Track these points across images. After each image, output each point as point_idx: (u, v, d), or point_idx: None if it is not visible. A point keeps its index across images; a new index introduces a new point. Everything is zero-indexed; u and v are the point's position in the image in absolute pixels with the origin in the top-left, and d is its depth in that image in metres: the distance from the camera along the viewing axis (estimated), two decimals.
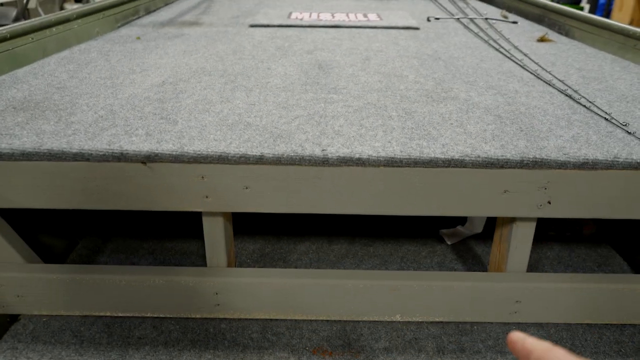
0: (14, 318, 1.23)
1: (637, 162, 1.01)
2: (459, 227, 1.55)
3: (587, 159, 1.01)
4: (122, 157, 1.02)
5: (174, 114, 1.19)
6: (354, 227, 1.60)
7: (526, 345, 0.40)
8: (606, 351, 1.15)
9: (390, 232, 1.58)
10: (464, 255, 1.48)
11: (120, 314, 1.21)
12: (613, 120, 1.19)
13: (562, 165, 1.01)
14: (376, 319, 1.21)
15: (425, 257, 1.46)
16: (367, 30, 2.27)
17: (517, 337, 0.42)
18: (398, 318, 1.21)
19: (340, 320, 1.22)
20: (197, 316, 1.21)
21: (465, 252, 1.49)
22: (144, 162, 1.02)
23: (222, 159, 1.02)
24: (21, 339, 1.16)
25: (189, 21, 2.44)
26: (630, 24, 5.21)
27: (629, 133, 1.13)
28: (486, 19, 2.47)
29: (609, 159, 1.01)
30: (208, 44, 1.94)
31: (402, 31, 2.25)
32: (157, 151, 1.01)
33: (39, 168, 1.03)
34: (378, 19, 2.49)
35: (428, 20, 2.51)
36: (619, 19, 5.36)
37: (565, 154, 1.02)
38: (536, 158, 1.01)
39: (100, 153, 1.01)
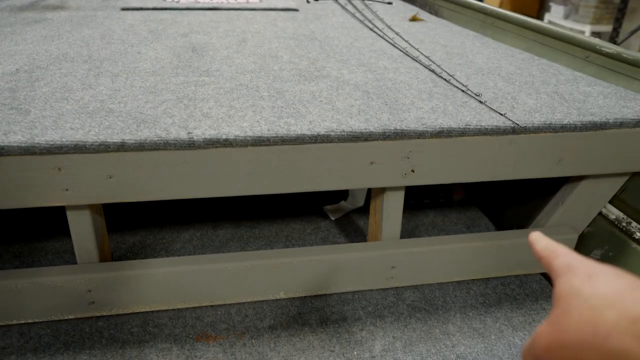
0: None
1: (486, 129, 1.10)
2: (342, 202, 1.60)
3: (443, 128, 1.08)
4: None
5: (27, 104, 1.10)
6: (239, 210, 1.59)
7: (547, 249, 0.41)
8: (473, 304, 1.25)
9: (276, 213, 1.59)
10: (347, 229, 1.53)
11: None
12: (468, 92, 1.28)
13: (420, 135, 1.08)
14: (261, 299, 1.22)
15: (310, 234, 1.50)
16: (246, 12, 2.24)
17: (536, 238, 0.43)
18: (282, 295, 1.23)
19: (224, 304, 1.21)
20: (71, 317, 1.14)
21: (348, 225, 1.55)
22: None
23: (79, 149, 0.96)
24: None
25: (53, 5, 2.25)
26: (500, 5, 5.63)
27: (481, 102, 1.22)
28: (363, 0, 2.55)
29: (462, 127, 1.09)
30: (73, 29, 1.80)
31: (281, 13, 2.25)
32: (3, 144, 0.93)
33: None
34: (257, 1, 2.47)
35: (307, 1, 2.53)
36: (490, 2, 5.76)
37: (423, 124, 1.08)
38: (397, 130, 1.06)
39: None
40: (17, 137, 0.95)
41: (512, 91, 1.31)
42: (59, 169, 0.97)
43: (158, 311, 1.18)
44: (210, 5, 2.28)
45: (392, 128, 1.06)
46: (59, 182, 0.99)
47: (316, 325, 1.16)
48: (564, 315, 0.33)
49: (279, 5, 2.34)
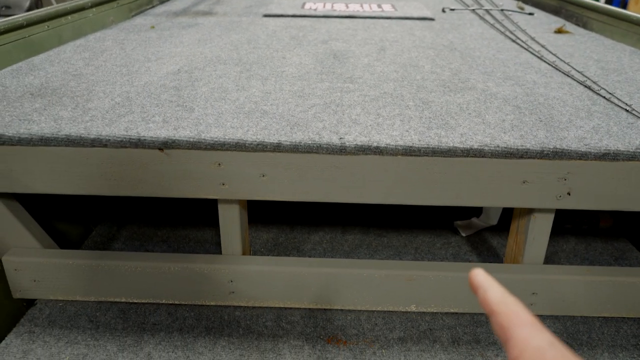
0: (30, 303, 1.24)
1: None
2: (474, 219, 1.54)
3: (609, 150, 1.00)
4: (139, 144, 1.02)
5: (191, 102, 1.19)
6: (368, 217, 1.59)
7: (489, 298, 0.31)
8: (624, 345, 1.14)
9: (404, 223, 1.57)
10: (479, 247, 1.47)
11: (135, 300, 1.22)
12: (634, 112, 1.17)
13: (582, 155, 1.00)
14: (391, 309, 1.21)
15: (440, 249, 1.46)
16: (382, 20, 2.25)
17: (479, 279, 0.33)
18: (413, 308, 1.21)
19: (354, 310, 1.21)
20: (212, 303, 1.22)
21: (480, 244, 1.48)
22: (161, 149, 1.02)
23: (239, 146, 1.01)
24: (38, 323, 1.17)
25: (203, 11, 2.43)
26: None
27: None
28: (502, 10, 2.44)
29: (631, 150, 1.00)
30: (222, 34, 1.93)
31: (417, 22, 2.23)
32: (174, 138, 1.01)
33: (57, 153, 1.03)
34: (392, 9, 2.47)
35: (443, 11, 2.48)
36: (635, 12, 5.27)
37: (586, 145, 1.01)
38: (556, 148, 1.00)
39: (118, 139, 1.01)
40: (185, 132, 1.03)
41: None
42: (219, 164, 1.04)
43: (291, 308, 1.21)
44: (346, 14, 2.32)
45: (551, 146, 1.00)
46: (218, 177, 1.05)
47: (448, 344, 1.13)
48: None
49: (415, 14, 2.32)
